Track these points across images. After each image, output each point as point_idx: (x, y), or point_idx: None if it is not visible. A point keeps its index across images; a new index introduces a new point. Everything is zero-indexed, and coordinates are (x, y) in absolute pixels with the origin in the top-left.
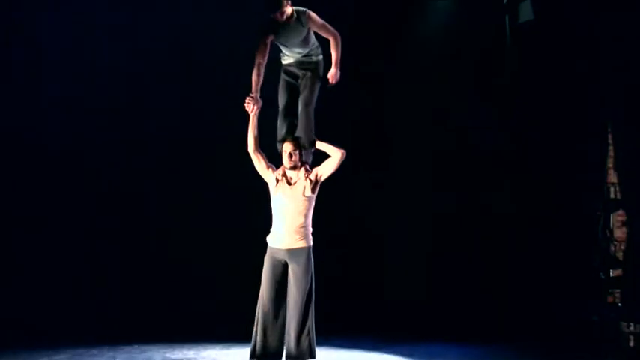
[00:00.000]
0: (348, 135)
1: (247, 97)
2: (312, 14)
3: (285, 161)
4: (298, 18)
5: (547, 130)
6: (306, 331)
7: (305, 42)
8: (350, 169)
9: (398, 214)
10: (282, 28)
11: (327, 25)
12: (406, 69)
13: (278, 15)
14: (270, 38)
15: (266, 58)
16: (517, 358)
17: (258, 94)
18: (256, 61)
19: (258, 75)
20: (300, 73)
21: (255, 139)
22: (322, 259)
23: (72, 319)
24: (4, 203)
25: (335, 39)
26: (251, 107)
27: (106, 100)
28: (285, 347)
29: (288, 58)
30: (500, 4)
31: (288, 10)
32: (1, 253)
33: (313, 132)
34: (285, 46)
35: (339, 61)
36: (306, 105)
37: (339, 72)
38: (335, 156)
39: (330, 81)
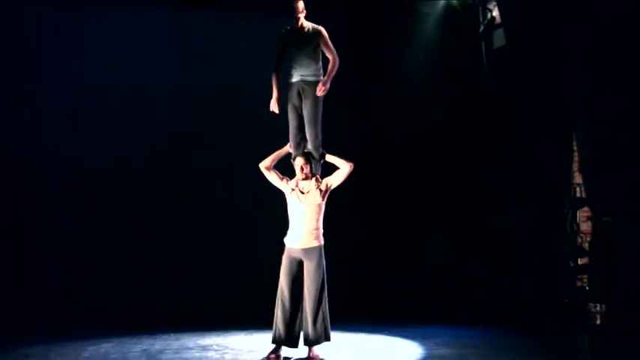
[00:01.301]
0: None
1: (271, 101)
2: (325, 32)
3: (298, 174)
4: (312, 31)
5: (520, 138)
6: (320, 318)
7: (314, 56)
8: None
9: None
10: (297, 36)
11: (332, 47)
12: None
13: (294, 21)
14: (286, 44)
15: (283, 62)
16: (500, 337)
17: (278, 94)
18: (275, 64)
19: (277, 77)
20: (303, 92)
21: (273, 162)
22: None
23: (116, 311)
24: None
25: (334, 59)
26: (276, 109)
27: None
28: (302, 332)
29: (294, 75)
30: (476, 32)
31: (303, 17)
32: (51, 248)
33: (321, 146)
34: (295, 57)
35: (331, 76)
36: (312, 122)
37: (328, 85)
38: (344, 168)
39: (318, 90)
